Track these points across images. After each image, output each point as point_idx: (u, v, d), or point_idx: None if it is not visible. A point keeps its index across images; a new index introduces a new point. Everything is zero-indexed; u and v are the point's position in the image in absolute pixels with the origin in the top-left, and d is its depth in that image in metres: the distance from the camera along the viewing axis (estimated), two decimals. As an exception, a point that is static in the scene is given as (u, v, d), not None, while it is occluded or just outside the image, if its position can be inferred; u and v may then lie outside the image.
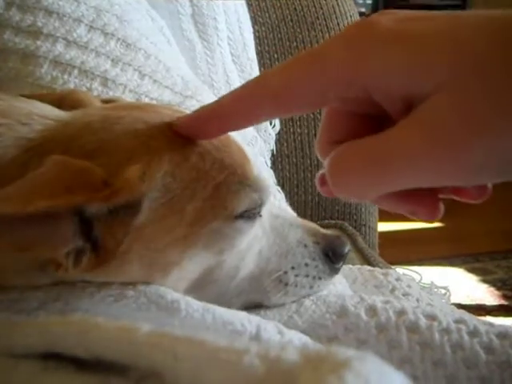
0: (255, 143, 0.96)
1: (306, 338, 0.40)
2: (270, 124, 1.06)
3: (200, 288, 0.44)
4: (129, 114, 0.43)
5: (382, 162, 0.29)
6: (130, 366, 0.29)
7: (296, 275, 0.49)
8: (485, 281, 2.27)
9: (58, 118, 0.43)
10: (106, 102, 0.55)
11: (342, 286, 0.57)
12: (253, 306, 0.48)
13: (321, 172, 0.37)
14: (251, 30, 1.11)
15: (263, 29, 1.18)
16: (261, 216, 0.48)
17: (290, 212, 0.73)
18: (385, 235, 1.28)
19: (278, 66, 0.34)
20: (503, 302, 2.11)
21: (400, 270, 0.79)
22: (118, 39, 0.71)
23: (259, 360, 0.25)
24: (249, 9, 1.14)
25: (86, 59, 0.67)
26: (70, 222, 0.36)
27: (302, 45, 1.17)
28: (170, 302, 0.39)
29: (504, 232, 2.50)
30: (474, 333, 0.41)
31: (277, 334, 0.38)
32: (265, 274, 0.48)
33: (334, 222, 1.13)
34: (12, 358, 0.31)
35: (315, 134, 1.14)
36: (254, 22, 1.16)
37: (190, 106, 0.74)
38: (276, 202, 0.82)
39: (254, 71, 1.06)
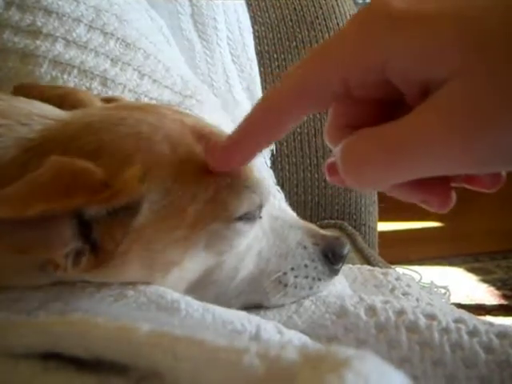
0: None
1: (305, 338, 0.40)
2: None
3: (200, 288, 0.44)
4: (130, 115, 0.42)
5: (398, 149, 0.29)
6: (130, 366, 0.29)
7: (295, 276, 0.49)
8: (485, 281, 2.27)
9: (58, 117, 0.43)
10: (106, 100, 0.55)
11: (342, 285, 0.57)
12: (252, 307, 0.48)
13: (329, 160, 0.36)
14: (251, 29, 1.11)
15: (263, 28, 1.18)
16: (261, 217, 0.48)
17: (289, 212, 0.73)
18: (384, 235, 1.28)
19: (295, 64, 0.33)
20: (503, 301, 2.11)
21: (400, 269, 0.79)
22: (118, 39, 0.71)
23: (259, 359, 0.25)
24: (248, 8, 1.14)
25: (85, 59, 0.67)
26: (68, 223, 0.36)
27: (302, 44, 1.17)
28: (170, 302, 0.39)
29: (504, 232, 2.50)
30: (473, 332, 0.41)
31: (276, 333, 0.38)
32: (264, 274, 0.48)
33: (333, 221, 1.13)
34: (12, 358, 0.31)
35: (315, 134, 1.13)
36: (254, 21, 1.16)
37: (190, 106, 0.74)
38: (276, 202, 0.82)
39: (254, 71, 1.06)
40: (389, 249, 1.22)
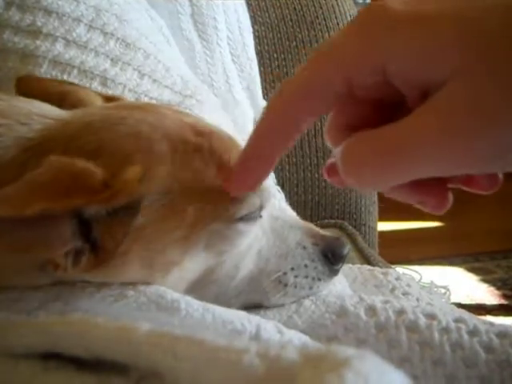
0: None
1: (305, 338, 0.40)
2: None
3: (200, 288, 0.44)
4: (130, 115, 0.42)
5: (397, 151, 0.29)
6: (130, 366, 0.29)
7: (295, 276, 0.50)
8: (485, 280, 2.27)
9: (57, 117, 0.43)
10: (108, 98, 0.55)
11: (342, 285, 0.57)
12: (252, 307, 0.48)
13: (329, 161, 0.37)
14: (251, 29, 1.11)
15: (263, 28, 1.18)
16: (261, 217, 0.48)
17: (289, 212, 0.73)
18: (384, 235, 1.28)
19: (297, 68, 0.33)
20: (503, 301, 2.11)
21: (400, 269, 0.79)
22: (118, 39, 0.71)
23: (259, 359, 0.25)
24: (248, 8, 1.14)
25: (85, 59, 0.67)
26: (68, 222, 0.36)
27: (302, 44, 1.17)
28: (170, 302, 0.39)
29: (504, 232, 2.50)
30: (473, 332, 0.41)
31: (276, 333, 0.38)
32: (264, 274, 0.49)
33: (333, 221, 1.13)
34: (12, 358, 0.31)
35: (315, 134, 1.14)
36: (254, 21, 1.16)
37: (190, 106, 0.74)
38: (276, 202, 0.82)
39: (254, 71, 1.06)
40: (389, 249, 1.22)
